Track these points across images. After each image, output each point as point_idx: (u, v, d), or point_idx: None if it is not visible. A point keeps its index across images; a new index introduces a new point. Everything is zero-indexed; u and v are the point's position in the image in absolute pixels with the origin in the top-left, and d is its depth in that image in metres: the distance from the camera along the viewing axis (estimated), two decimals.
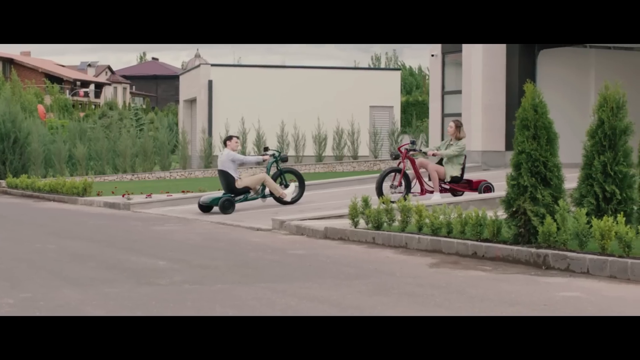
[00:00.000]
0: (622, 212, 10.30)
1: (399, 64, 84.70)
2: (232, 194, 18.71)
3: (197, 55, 47.30)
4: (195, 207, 19.33)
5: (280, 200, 18.93)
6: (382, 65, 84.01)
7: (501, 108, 25.50)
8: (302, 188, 19.37)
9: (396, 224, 12.99)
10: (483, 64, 25.38)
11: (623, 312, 7.40)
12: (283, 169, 19.68)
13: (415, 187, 17.63)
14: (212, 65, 40.32)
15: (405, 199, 13.81)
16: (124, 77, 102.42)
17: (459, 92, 26.69)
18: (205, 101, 38.98)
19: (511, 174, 10.80)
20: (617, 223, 9.75)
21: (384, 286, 8.88)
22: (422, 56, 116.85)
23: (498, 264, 10.45)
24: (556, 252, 10.04)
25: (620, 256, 9.50)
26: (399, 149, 18.27)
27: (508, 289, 8.67)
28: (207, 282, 9.23)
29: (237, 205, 18.69)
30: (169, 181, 30.83)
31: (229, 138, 19.39)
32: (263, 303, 7.89)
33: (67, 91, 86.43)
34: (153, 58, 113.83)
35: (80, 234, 15.00)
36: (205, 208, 18.63)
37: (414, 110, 50.18)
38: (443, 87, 28.10)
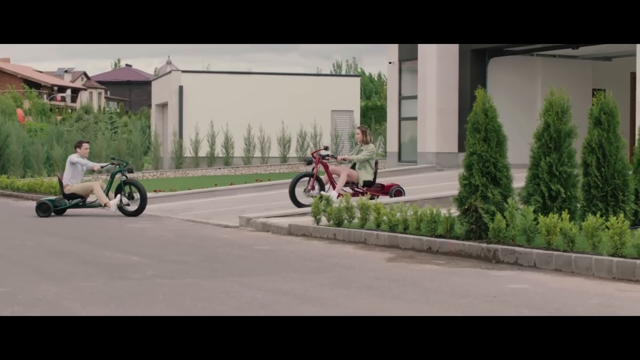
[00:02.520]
0: (566, 210, 10.37)
1: (359, 70, 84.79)
2: (65, 198, 18.39)
3: (169, 62, 47.15)
4: (168, 205, 19.26)
5: (122, 210, 18.03)
6: (343, 72, 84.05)
7: (454, 112, 25.59)
8: (143, 201, 17.91)
9: (356, 221, 13.01)
10: (437, 71, 25.46)
11: (567, 302, 7.45)
12: (127, 180, 18.31)
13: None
14: (183, 71, 40.19)
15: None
16: (99, 82, 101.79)
17: (415, 97, 26.75)
18: (176, 105, 38.84)
19: (463, 174, 10.85)
20: (561, 220, 9.82)
21: (344, 279, 8.89)
22: (380, 63, 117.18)
23: (451, 259, 10.49)
24: (505, 247, 10.09)
25: (564, 251, 9.56)
26: (312, 154, 17.68)
27: (460, 282, 8.70)
28: (178, 276, 9.20)
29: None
30: (142, 181, 30.56)
31: (79, 144, 19.10)
32: (231, 296, 7.87)
33: (45, 96, 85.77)
34: (127, 65, 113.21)
35: (57, 231, 14.89)
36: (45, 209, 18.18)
37: (373, 114, 50.24)
38: (400, 92, 28.15)
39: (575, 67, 26.40)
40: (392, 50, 28.18)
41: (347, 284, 8.60)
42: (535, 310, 7.11)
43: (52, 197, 18.94)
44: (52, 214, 17.99)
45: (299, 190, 17.00)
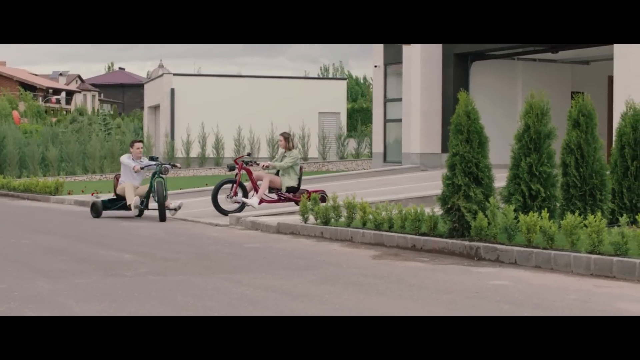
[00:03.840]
0: (546, 209, 10.39)
1: (346, 74, 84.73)
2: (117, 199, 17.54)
3: (161, 66, 47.14)
4: None
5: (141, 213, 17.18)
6: (330, 75, 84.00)
7: (438, 114, 25.61)
8: (160, 206, 16.35)
9: (342, 219, 13.01)
10: (421, 74, 25.47)
11: (546, 298, 7.47)
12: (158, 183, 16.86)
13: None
14: (174, 74, 40.16)
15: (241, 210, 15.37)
16: (93, 85, 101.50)
17: (400, 99, 26.77)
18: (168, 107, 38.79)
19: (447, 174, 10.86)
20: (541, 218, 9.84)
21: (331, 276, 8.89)
22: (366, 67, 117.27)
23: (435, 256, 10.50)
24: (487, 244, 10.11)
25: (544, 248, 9.59)
26: (235, 160, 17.31)
27: (444, 278, 8.72)
28: (170, 274, 9.18)
29: None
30: None
31: (131, 143, 17.98)
32: (221, 292, 7.86)
33: (40, 98, 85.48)
34: (120, 68, 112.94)
35: (52, 229, 14.85)
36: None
37: (359, 116, 50.23)
38: (385, 95, 28.17)
39: (554, 70, 26.46)
40: (377, 54, 28.19)
41: (333, 280, 8.60)
42: (516, 306, 7.12)
43: (107, 198, 18.12)
44: (102, 214, 17.26)
45: (221, 197, 16.62)
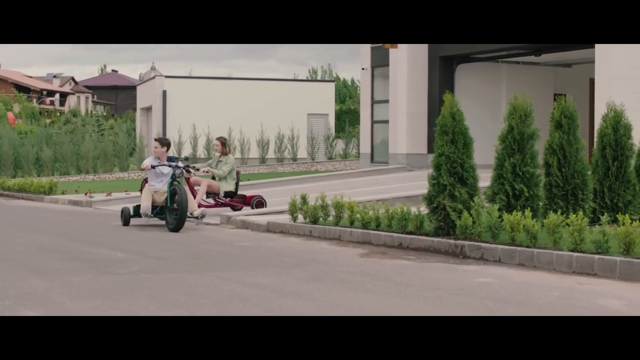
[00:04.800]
0: (529, 208, 10.42)
1: (334, 76, 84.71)
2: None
3: (153, 68, 47.02)
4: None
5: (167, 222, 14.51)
6: (319, 78, 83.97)
7: (424, 115, 25.64)
8: (182, 212, 13.94)
9: (331, 218, 13.01)
10: (408, 76, 25.49)
11: (530, 295, 7.48)
12: (175, 187, 14.51)
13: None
14: (166, 76, 40.10)
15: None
16: (87, 87, 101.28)
17: (387, 101, 26.79)
18: (160, 109, 38.74)
19: (432, 174, 10.87)
20: (525, 217, 9.85)
21: (319, 274, 8.89)
22: (354, 69, 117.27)
23: (421, 254, 10.51)
24: (472, 243, 10.12)
25: (527, 246, 9.60)
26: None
27: (430, 276, 8.72)
28: (161, 272, 9.16)
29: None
30: (128, 181, 30.57)
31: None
32: (211, 290, 7.85)
33: (35, 100, 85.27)
34: (113, 70, 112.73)
35: (46, 228, 14.80)
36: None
37: (347, 118, 50.28)
38: (372, 97, 28.18)
39: (537, 73, 26.52)
40: (365, 57, 28.21)
41: (322, 278, 8.60)
42: (500, 302, 7.13)
43: (136, 204, 15.63)
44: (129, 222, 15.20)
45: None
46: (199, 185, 16.47)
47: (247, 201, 16.81)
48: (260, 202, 16.76)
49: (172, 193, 14.38)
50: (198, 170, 16.42)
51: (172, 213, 14.23)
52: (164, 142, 15.48)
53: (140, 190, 15.55)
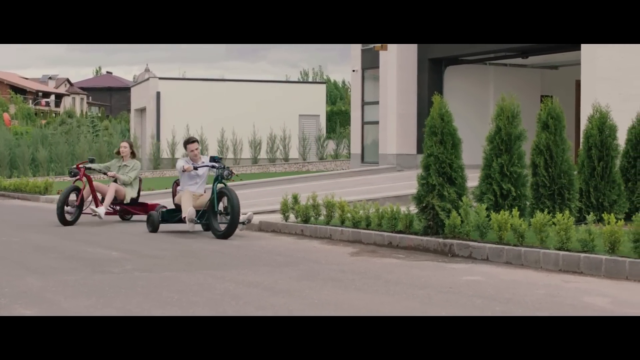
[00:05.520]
0: (516, 207, 10.44)
1: (325, 78, 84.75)
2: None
3: (147, 70, 46.93)
4: None
5: (213, 231, 12.76)
6: (310, 79, 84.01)
7: (413, 117, 25.66)
8: (233, 218, 12.41)
9: (322, 218, 13.01)
10: (397, 78, 25.52)
11: (517, 292, 7.49)
12: (222, 190, 12.83)
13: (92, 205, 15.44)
14: (160, 78, 40.05)
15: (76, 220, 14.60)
16: (82, 88, 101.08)
17: (377, 102, 26.81)
18: (153, 110, 38.67)
19: (421, 174, 10.88)
20: (512, 216, 9.87)
21: (311, 272, 8.89)
22: (344, 71, 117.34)
23: (410, 253, 10.52)
24: (460, 241, 10.14)
25: (515, 245, 9.62)
26: (77, 166, 15.48)
27: (419, 274, 8.73)
28: (156, 270, 9.15)
29: None
30: None
31: (184, 144, 14.04)
32: (204, 288, 7.84)
33: (30, 101, 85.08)
34: (107, 72, 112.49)
35: (41, 228, 14.76)
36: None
37: (338, 119, 50.26)
38: (363, 98, 28.20)
39: (524, 75, 26.57)
40: (355, 59, 28.22)
41: (313, 276, 8.60)
42: (488, 300, 7.14)
43: (166, 208, 14.20)
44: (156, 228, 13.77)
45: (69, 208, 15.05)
46: (104, 192, 15.53)
47: (147, 209, 15.53)
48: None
49: (219, 196, 12.83)
50: (106, 174, 15.92)
51: (217, 218, 12.74)
52: (197, 141, 13.93)
53: (173, 195, 13.89)
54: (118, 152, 16.48)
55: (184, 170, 13.43)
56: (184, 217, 12.99)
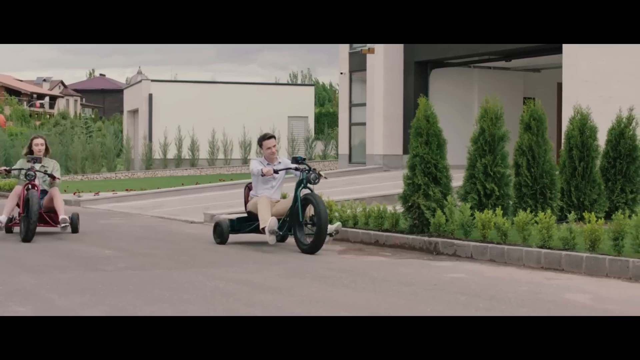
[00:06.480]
0: (500, 206, 10.46)
1: (313, 80, 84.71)
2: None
3: (139, 72, 46.87)
4: (139, 202, 19.07)
5: (298, 244, 10.65)
6: (299, 82, 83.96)
7: (399, 118, 25.68)
8: (319, 230, 10.25)
9: None
10: (384, 80, 25.53)
11: (500, 289, 7.51)
12: (307, 196, 10.67)
13: None
14: (152, 80, 39.94)
15: None
16: (75, 90, 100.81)
17: (364, 104, 26.82)
18: (146, 112, 38.59)
19: (407, 174, 10.89)
20: (495, 215, 9.89)
21: (299, 270, 8.89)
22: (332, 74, 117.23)
23: (396, 251, 10.53)
24: (445, 240, 10.15)
25: (498, 243, 9.64)
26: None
27: (405, 272, 8.74)
28: (147, 268, 9.13)
29: None
30: (115, 181, 30.44)
31: (260, 141, 12.03)
32: (195, 285, 7.83)
33: (25, 102, 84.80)
34: (101, 74, 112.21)
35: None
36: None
37: (326, 120, 50.21)
38: (350, 100, 28.20)
39: (508, 77, 26.63)
40: (343, 62, 28.23)
41: (301, 274, 8.60)
42: (472, 297, 7.16)
43: (235, 217, 12.07)
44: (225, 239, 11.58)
45: None
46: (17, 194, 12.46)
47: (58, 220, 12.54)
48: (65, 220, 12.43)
49: (304, 204, 10.77)
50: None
51: (303, 229, 10.73)
52: (274, 137, 11.96)
53: (245, 201, 11.70)
54: (29, 152, 12.97)
55: (262, 175, 11.16)
56: (262, 228, 10.90)
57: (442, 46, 23.65)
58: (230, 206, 16.84)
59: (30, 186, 12.21)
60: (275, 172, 11.27)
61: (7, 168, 12.96)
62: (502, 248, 9.44)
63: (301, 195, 10.76)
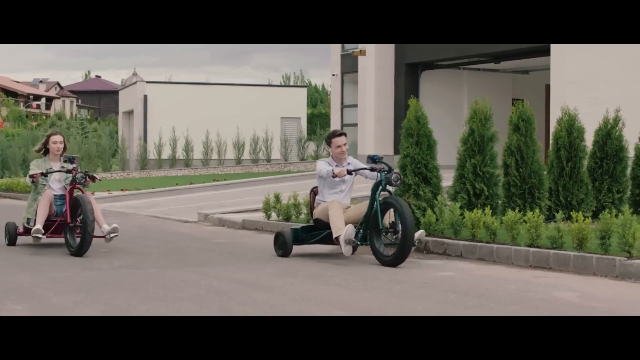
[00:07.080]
0: (489, 206, 10.47)
1: (306, 82, 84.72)
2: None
3: (135, 74, 46.84)
4: (134, 202, 19.03)
5: (377, 255, 9.33)
6: (291, 83, 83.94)
7: (390, 119, 25.70)
8: (404, 242, 8.93)
9: (303, 216, 13.00)
10: (375, 82, 25.54)
11: (489, 287, 7.52)
12: (387, 200, 9.32)
13: None
14: (147, 82, 39.90)
15: None
16: (71, 91, 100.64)
17: (355, 105, 26.85)
18: (141, 113, 38.54)
19: None
20: (485, 215, 9.90)
21: (292, 269, 8.88)
22: (324, 75, 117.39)
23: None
24: (435, 239, 10.16)
25: (487, 242, 9.65)
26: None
27: (395, 270, 8.73)
28: (142, 267, 9.12)
29: None
30: (110, 181, 30.36)
31: (328, 139, 10.32)
32: (190, 284, 7.82)
33: (22, 104, 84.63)
34: (96, 76, 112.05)
35: None
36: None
37: (318, 121, 50.20)
38: (342, 101, 28.23)
39: (497, 79, 26.66)
40: (335, 64, 28.26)
41: (294, 273, 8.59)
42: (462, 295, 7.16)
43: (300, 225, 10.74)
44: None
45: None
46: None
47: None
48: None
49: (383, 208, 9.36)
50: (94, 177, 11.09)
51: (381, 238, 9.35)
52: (345, 134, 10.35)
53: (312, 207, 10.33)
54: (45, 150, 11.39)
55: (334, 176, 9.74)
56: (336, 237, 9.45)
57: (432, 48, 23.67)
58: (223, 206, 16.84)
59: (78, 190, 10.62)
60: (349, 172, 9.81)
61: (44, 172, 10.93)
62: (491, 247, 9.44)
63: (381, 199, 9.38)
